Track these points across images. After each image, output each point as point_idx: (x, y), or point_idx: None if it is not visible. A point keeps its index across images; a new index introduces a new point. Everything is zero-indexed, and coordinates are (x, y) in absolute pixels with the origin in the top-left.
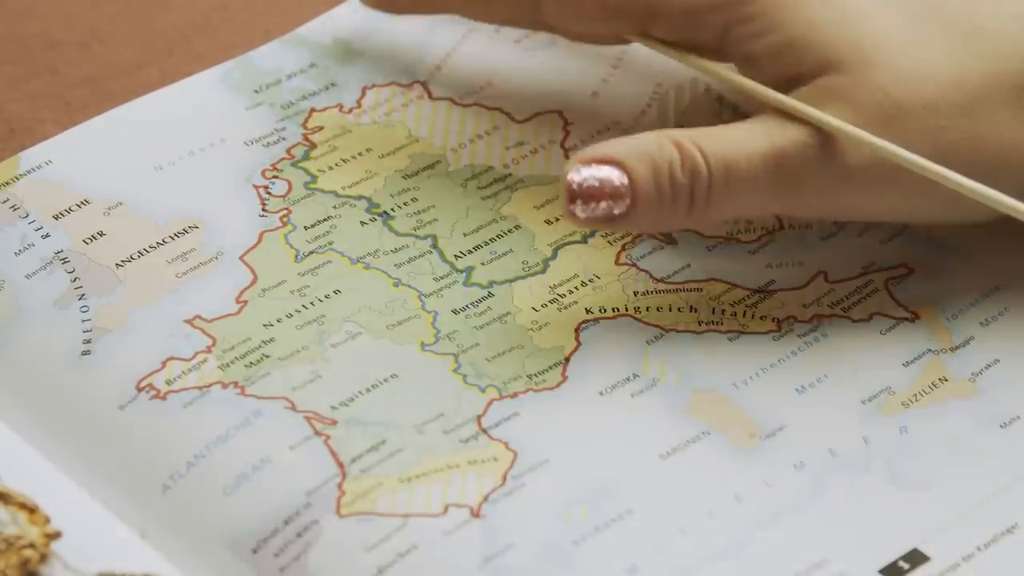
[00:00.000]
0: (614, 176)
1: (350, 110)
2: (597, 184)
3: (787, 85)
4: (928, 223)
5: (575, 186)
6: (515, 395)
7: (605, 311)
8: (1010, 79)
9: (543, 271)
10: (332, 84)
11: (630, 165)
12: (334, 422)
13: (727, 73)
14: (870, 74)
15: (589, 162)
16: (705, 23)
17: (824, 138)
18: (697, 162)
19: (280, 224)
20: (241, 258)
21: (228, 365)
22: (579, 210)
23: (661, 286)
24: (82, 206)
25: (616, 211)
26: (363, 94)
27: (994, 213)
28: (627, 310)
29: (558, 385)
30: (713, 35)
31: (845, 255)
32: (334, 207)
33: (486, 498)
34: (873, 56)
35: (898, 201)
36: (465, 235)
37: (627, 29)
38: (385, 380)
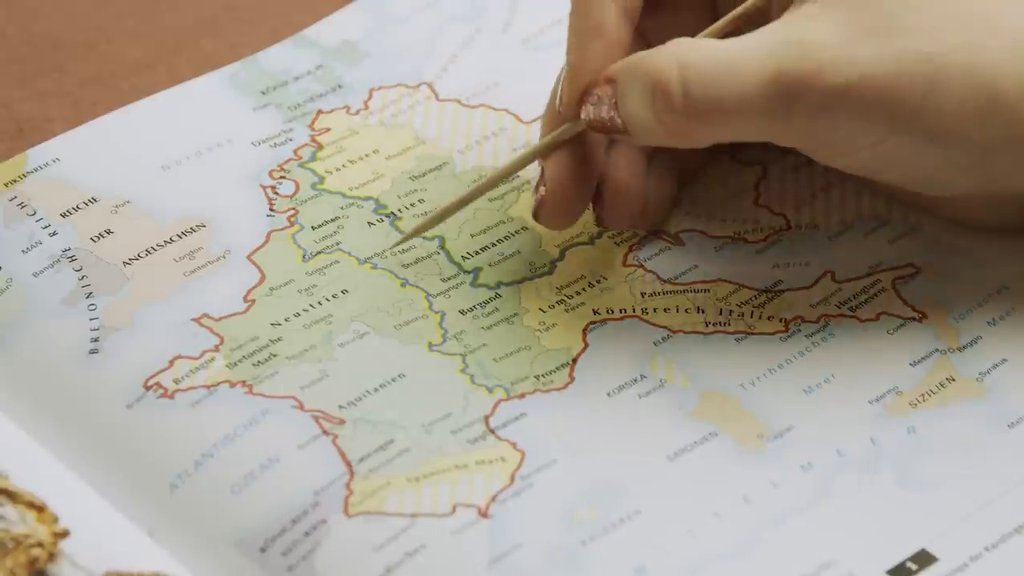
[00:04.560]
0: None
1: (357, 112)
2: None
3: None
4: (913, 183)
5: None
6: (522, 396)
7: (612, 312)
8: None
9: (550, 272)
10: (339, 86)
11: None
12: (342, 421)
13: None
14: None
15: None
16: None
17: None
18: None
19: (287, 224)
20: (248, 257)
21: (236, 364)
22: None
23: (668, 287)
24: (89, 204)
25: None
26: (370, 96)
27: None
28: (634, 311)
29: (565, 386)
30: None
31: (852, 255)
32: (341, 208)
33: (494, 498)
34: None
35: (885, 134)
36: (472, 236)
37: None
38: (393, 380)
